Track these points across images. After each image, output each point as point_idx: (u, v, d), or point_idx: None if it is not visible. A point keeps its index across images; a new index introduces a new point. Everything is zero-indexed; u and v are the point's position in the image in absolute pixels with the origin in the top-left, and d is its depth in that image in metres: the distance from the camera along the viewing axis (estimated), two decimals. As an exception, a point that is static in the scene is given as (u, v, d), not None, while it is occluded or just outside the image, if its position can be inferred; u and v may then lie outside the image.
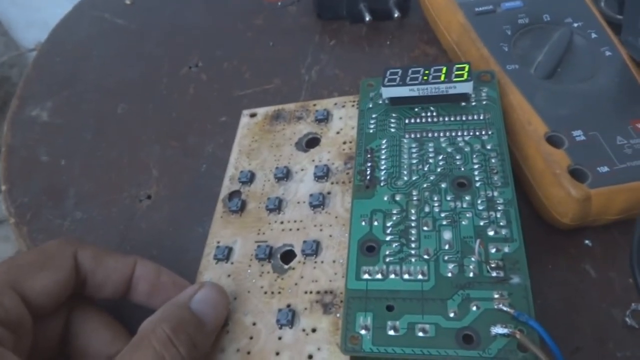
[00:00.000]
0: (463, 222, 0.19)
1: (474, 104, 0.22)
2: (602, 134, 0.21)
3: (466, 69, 0.22)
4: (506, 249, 0.18)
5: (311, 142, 0.25)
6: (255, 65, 0.30)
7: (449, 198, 0.19)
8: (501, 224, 0.18)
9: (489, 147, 0.21)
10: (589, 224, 0.21)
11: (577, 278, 0.21)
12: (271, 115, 0.27)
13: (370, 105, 0.24)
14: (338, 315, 0.18)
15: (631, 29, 0.25)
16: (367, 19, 0.31)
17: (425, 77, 0.22)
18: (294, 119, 0.26)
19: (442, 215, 0.19)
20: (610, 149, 0.21)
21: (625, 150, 0.21)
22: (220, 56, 0.31)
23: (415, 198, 0.20)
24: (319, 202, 0.22)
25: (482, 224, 0.18)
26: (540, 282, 0.20)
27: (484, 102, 0.22)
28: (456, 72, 0.22)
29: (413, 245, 0.18)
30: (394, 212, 0.19)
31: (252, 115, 0.27)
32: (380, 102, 0.24)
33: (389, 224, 0.19)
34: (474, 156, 0.20)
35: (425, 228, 0.19)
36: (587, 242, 0.22)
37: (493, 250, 0.18)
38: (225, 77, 0.30)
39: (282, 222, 0.22)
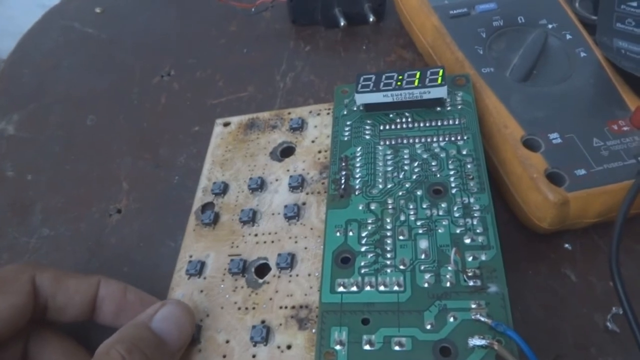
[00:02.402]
0: (439, 230, 0.18)
1: (449, 108, 0.22)
2: (578, 136, 0.21)
3: (440, 74, 0.21)
4: (483, 257, 0.17)
5: (286, 152, 0.24)
6: (229, 73, 0.30)
7: (424, 206, 0.19)
8: (478, 231, 0.18)
9: (464, 152, 0.20)
10: (567, 228, 0.21)
11: (558, 283, 0.20)
12: (245, 124, 0.26)
13: (345, 112, 0.23)
14: (314, 330, 0.18)
15: (605, 30, 0.24)
16: (342, 23, 0.30)
17: (399, 83, 0.22)
18: (269, 128, 0.25)
19: (418, 223, 0.18)
20: (587, 151, 0.20)
21: (601, 152, 0.20)
22: (192, 64, 0.31)
23: (390, 206, 0.19)
24: (293, 214, 0.21)
25: (458, 231, 0.18)
26: (520, 288, 0.20)
27: (459, 107, 0.22)
28: (430, 77, 0.21)
29: (389, 255, 0.18)
30: (369, 221, 0.19)
31: (226, 125, 0.26)
32: (355, 108, 0.23)
33: (364, 234, 0.19)
34: (450, 162, 0.20)
35: (401, 237, 0.18)
36: (566, 245, 0.21)
37: (470, 259, 0.17)
38: (198, 86, 0.29)
39: (256, 235, 0.21)
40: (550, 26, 0.25)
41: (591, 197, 0.19)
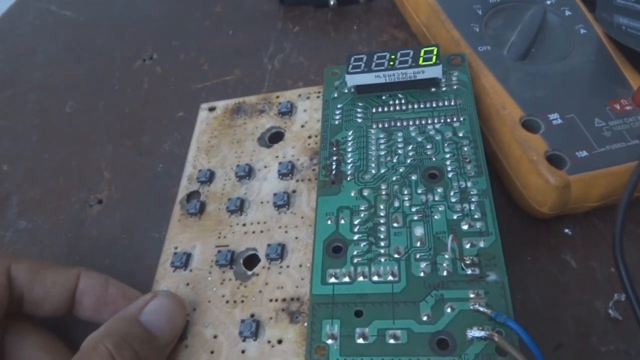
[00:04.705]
0: (435, 217, 0.17)
1: (444, 89, 0.21)
2: (579, 116, 0.20)
3: (435, 52, 0.20)
4: (481, 244, 0.16)
5: (274, 137, 0.23)
6: (214, 56, 0.29)
7: (419, 191, 0.18)
8: (475, 216, 0.17)
9: (460, 134, 0.19)
10: (568, 212, 0.20)
11: (558, 269, 0.20)
12: (231, 109, 0.25)
13: (335, 95, 0.22)
14: (305, 324, 0.17)
15: (606, 6, 0.23)
16: (332, 2, 0.29)
17: (392, 63, 0.21)
18: (256, 113, 0.24)
19: (413, 210, 0.18)
20: (589, 132, 0.20)
21: (603, 132, 0.19)
22: (176, 47, 0.29)
23: (384, 192, 0.18)
24: (283, 202, 0.20)
25: (455, 217, 0.17)
26: (520, 275, 0.19)
27: (455, 87, 0.21)
28: (424, 56, 0.20)
29: (382, 243, 0.17)
30: (362, 208, 0.18)
31: (211, 109, 0.25)
32: (346, 91, 0.22)
33: (356, 222, 0.18)
34: (446, 145, 0.19)
35: (395, 224, 0.17)
36: (566, 230, 0.21)
37: (467, 246, 0.16)
38: (182, 70, 0.28)
39: (244, 225, 0.20)
40: (548, 2, 0.24)
41: (593, 179, 0.19)
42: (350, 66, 0.21)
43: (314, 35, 0.29)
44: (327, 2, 0.29)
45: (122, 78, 0.28)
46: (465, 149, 0.19)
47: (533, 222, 0.20)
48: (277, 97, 0.24)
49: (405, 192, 0.18)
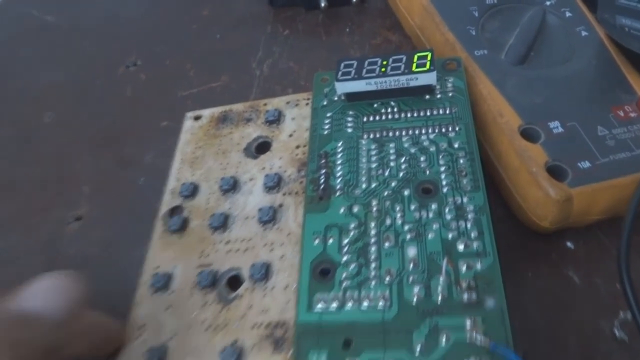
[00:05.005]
0: (429, 236, 0.16)
1: (438, 96, 0.20)
2: (581, 124, 0.19)
3: (429, 58, 0.19)
4: (478, 266, 0.15)
5: (261, 147, 0.22)
6: (201, 61, 0.27)
7: (412, 207, 0.17)
8: (472, 235, 0.16)
9: (456, 145, 0.18)
10: (570, 225, 0.19)
11: (560, 286, 0.19)
12: (217, 118, 0.24)
13: (325, 103, 0.21)
14: (290, 353, 0.16)
15: (607, 6, 0.22)
16: (323, 4, 0.28)
17: (384, 69, 0.19)
18: (242, 121, 0.23)
19: (406, 228, 0.16)
20: (591, 141, 0.18)
21: (607, 142, 0.18)
22: (161, 52, 0.28)
23: (375, 209, 0.17)
24: (269, 218, 0.19)
25: (450, 236, 0.16)
26: (520, 292, 0.18)
27: (450, 94, 0.20)
28: (417, 62, 0.19)
29: (373, 265, 0.16)
30: (351, 226, 0.17)
31: (197, 118, 0.24)
32: (336, 98, 0.21)
33: (345, 242, 0.17)
34: (440, 157, 0.18)
35: (386, 244, 0.16)
36: (569, 244, 0.20)
37: (464, 268, 0.15)
38: (167, 76, 0.27)
39: (228, 242, 0.19)
40: (548, 3, 0.23)
41: (597, 192, 0.18)
42: (340, 73, 0.20)
43: (305, 39, 0.28)
44: (318, 4, 0.28)
45: (104, 86, 0.27)
46: (461, 161, 0.18)
47: (532, 234, 0.19)
48: (265, 104, 0.23)
49: (398, 209, 0.17)
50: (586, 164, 0.18)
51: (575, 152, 0.18)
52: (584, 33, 0.22)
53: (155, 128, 0.25)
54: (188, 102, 0.26)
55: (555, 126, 0.19)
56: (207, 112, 0.24)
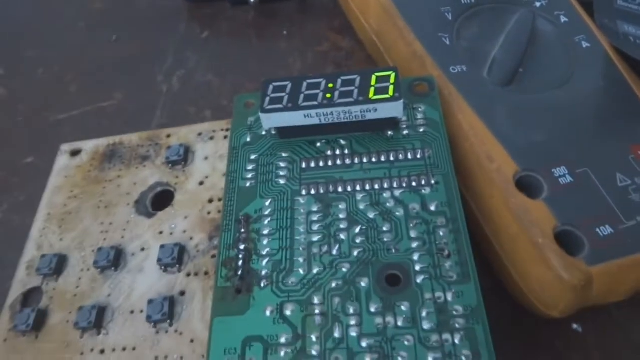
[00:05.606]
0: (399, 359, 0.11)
1: (405, 132, 0.14)
2: (594, 170, 0.14)
3: (392, 80, 0.14)
4: (476, 413, 0.10)
5: (160, 200, 0.16)
6: (88, 72, 0.21)
7: (373, 309, 0.11)
8: (463, 358, 0.10)
9: (432, 208, 0.13)
10: (583, 308, 0.14)
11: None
12: (102, 154, 0.17)
13: (248, 139, 0.15)
14: None
15: (605, 10, 0.18)
16: (253, -1, 0.22)
17: (329, 94, 0.14)
18: (137, 160, 0.17)
19: (364, 345, 0.11)
20: (610, 195, 0.14)
21: (631, 196, 0.14)
22: (33, 59, 0.21)
23: (317, 311, 0.11)
24: (163, 316, 0.13)
25: (432, 362, 0.10)
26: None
27: (422, 129, 0.14)
28: (376, 85, 0.14)
29: (315, 414, 0.10)
30: (282, 341, 0.11)
31: (74, 154, 0.17)
32: (264, 132, 0.15)
33: (272, 371, 0.11)
34: (412, 226, 0.12)
35: (335, 375, 0.10)
36: (575, 326, 0.15)
37: (455, 421, 0.10)
38: (39, 92, 0.20)
39: (102, 351, 0.13)
40: (538, 4, 0.18)
41: (624, 270, 0.13)
42: (267, 100, 0.14)
43: (230, 43, 0.22)
44: (247, -2, 0.22)
45: (-53, 105, 0.20)
46: (441, 233, 0.12)
47: (529, 314, 0.14)
48: (168, 136, 0.17)
49: (351, 311, 0.11)
50: (607, 230, 0.13)
51: (591, 211, 0.13)
52: (585, 44, 0.17)
53: (14, 167, 0.18)
54: (65, 129, 0.19)
55: (562, 174, 0.14)
56: (89, 145, 0.17)
